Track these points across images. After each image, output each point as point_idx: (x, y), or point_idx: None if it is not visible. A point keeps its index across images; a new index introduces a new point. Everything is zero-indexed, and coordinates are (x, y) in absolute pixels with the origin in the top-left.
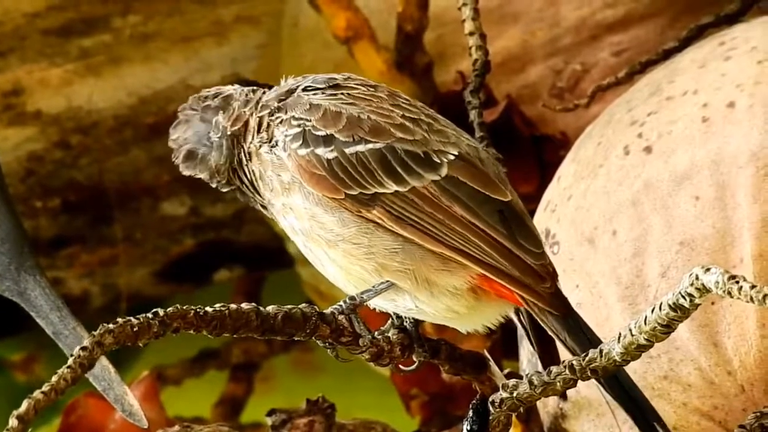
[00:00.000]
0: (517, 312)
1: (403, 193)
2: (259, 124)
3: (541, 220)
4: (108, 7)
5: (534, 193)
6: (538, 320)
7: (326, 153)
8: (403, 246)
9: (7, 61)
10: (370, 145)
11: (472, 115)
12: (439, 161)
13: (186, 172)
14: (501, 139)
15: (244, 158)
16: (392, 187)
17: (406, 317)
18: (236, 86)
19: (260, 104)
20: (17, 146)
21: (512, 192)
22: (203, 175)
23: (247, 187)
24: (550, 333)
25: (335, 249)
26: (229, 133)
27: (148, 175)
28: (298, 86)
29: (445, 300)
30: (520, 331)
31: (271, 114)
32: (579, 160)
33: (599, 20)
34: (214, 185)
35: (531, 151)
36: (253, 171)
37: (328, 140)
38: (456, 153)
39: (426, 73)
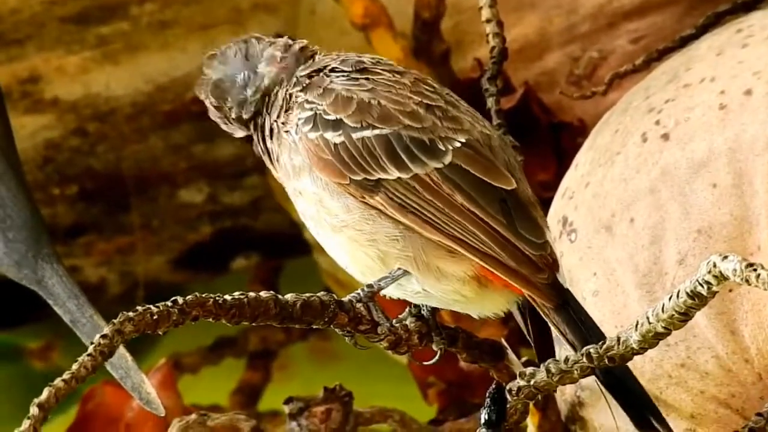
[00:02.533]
0: (517, 303)
1: (406, 180)
2: (288, 99)
3: (558, 208)
4: None
5: (551, 180)
6: (539, 311)
7: (334, 137)
8: (404, 234)
9: (24, 48)
10: (377, 131)
11: (490, 102)
12: (444, 149)
13: (202, 97)
14: (518, 127)
15: (267, 129)
16: (395, 173)
17: (423, 306)
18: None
19: (294, 77)
20: (34, 134)
21: (521, 180)
22: (214, 106)
23: (261, 147)
24: (549, 324)
25: (340, 235)
26: (263, 87)
27: (165, 163)
28: (327, 66)
29: (451, 285)
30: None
31: (300, 91)
32: (596, 148)
33: (616, 7)
34: (221, 122)
35: (548, 138)
36: (271, 150)
37: (336, 125)
38: (463, 140)
39: (443, 61)
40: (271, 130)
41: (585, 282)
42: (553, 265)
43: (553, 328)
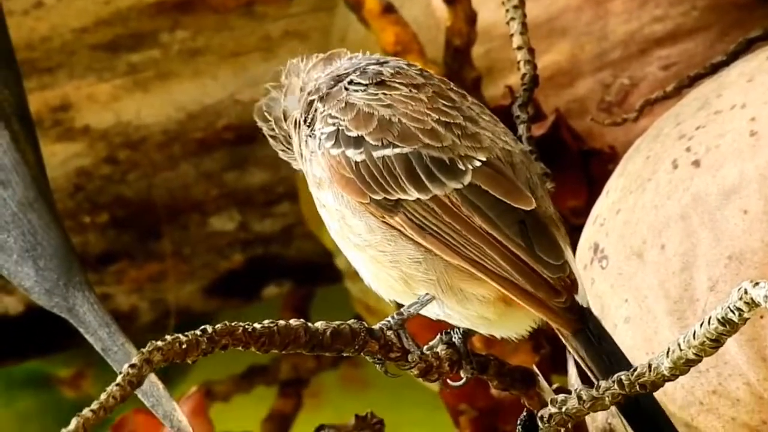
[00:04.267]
0: None
1: (425, 201)
2: (309, 106)
3: (589, 235)
4: (156, 22)
5: (582, 207)
6: (559, 335)
7: (355, 155)
8: (426, 256)
9: (55, 76)
10: (398, 150)
11: (521, 129)
12: (463, 168)
13: (258, 120)
14: (549, 154)
15: (297, 126)
16: (414, 194)
17: (454, 332)
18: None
19: (316, 84)
20: (65, 162)
21: (543, 198)
22: (266, 126)
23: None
24: (568, 349)
25: (363, 253)
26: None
27: (196, 191)
28: (346, 74)
29: (474, 307)
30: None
31: (319, 99)
32: (627, 174)
33: (647, 34)
34: (275, 143)
35: (579, 165)
36: (295, 144)
37: (358, 142)
38: (484, 159)
39: (474, 88)
40: (296, 123)
41: (616, 309)
42: (572, 286)
43: (571, 352)
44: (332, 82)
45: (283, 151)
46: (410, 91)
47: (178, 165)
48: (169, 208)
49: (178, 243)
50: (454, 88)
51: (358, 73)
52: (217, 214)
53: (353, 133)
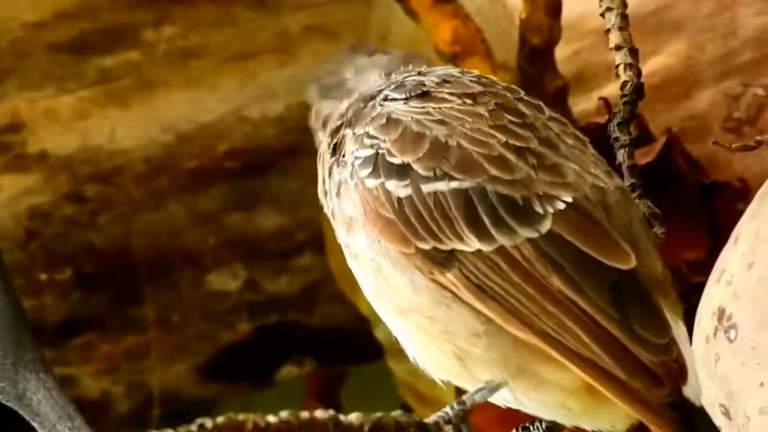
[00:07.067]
0: None
1: (487, 254)
2: (336, 131)
3: (713, 296)
4: (136, 14)
5: (703, 259)
6: None
7: (398, 189)
8: (487, 327)
9: (2, 86)
10: (455, 184)
11: (620, 155)
12: (541, 211)
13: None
14: (658, 188)
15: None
16: (474, 244)
17: (535, 428)
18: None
19: (351, 100)
20: (15, 199)
21: (647, 252)
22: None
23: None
24: None
25: (406, 320)
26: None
27: (189, 238)
28: (379, 90)
29: (551, 395)
30: None
31: (347, 125)
32: (763, 217)
33: None
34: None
35: (699, 203)
36: (324, 179)
37: (403, 171)
38: (569, 200)
39: (558, 101)
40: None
41: (749, 395)
42: (679, 374)
43: None
44: (362, 104)
45: None
46: (464, 102)
47: (165, 204)
48: (153, 262)
49: (164, 308)
50: (525, 97)
51: (393, 86)
52: (217, 270)
53: (397, 160)
